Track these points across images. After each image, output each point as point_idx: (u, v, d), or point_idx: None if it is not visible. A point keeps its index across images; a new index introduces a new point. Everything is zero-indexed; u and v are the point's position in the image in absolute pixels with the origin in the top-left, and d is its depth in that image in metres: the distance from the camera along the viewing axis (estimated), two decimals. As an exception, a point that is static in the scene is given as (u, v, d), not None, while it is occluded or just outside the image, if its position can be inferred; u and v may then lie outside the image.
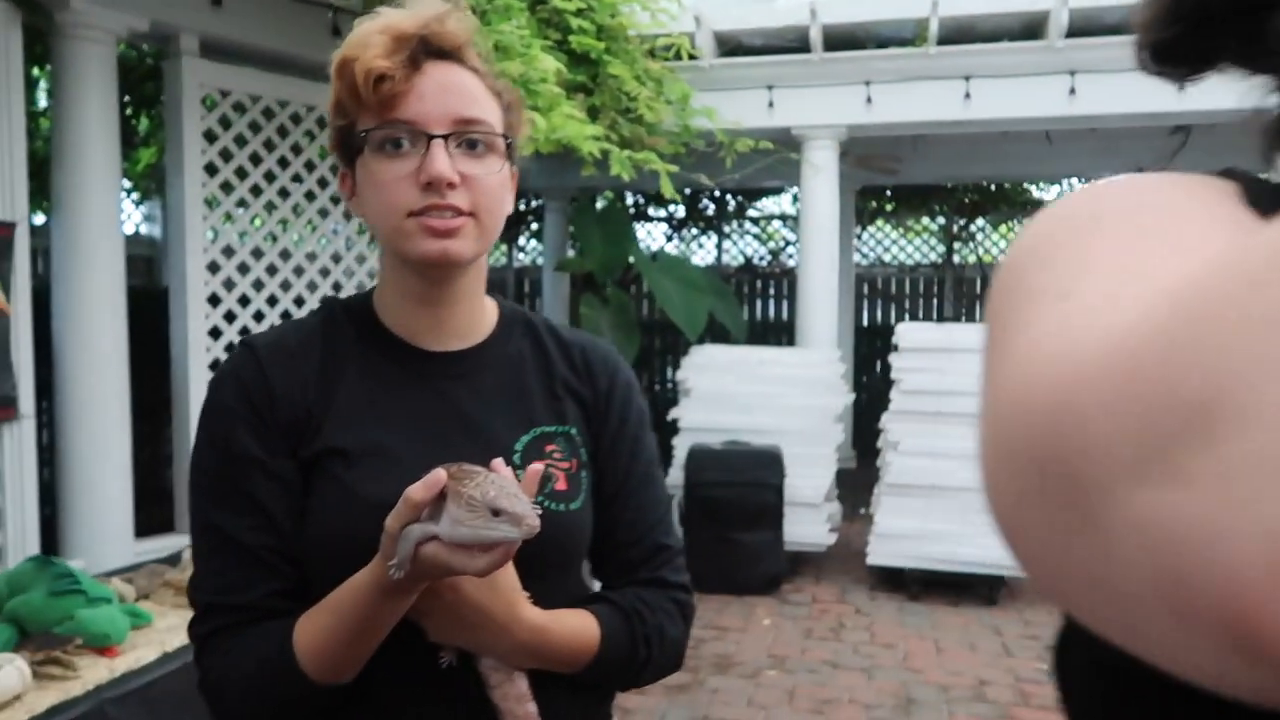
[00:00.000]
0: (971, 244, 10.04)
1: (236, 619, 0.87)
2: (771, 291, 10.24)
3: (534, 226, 9.81)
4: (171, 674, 1.76)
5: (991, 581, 4.79)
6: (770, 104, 5.71)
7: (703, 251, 10.57)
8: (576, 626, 0.91)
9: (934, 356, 4.84)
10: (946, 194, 9.52)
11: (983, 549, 4.70)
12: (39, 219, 5.15)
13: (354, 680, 0.86)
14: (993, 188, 9.45)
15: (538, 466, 0.83)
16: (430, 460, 0.81)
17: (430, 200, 0.87)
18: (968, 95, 5.55)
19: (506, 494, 0.74)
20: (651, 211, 10.02)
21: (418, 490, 0.75)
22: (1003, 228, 10.05)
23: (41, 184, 3.85)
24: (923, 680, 3.79)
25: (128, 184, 6.12)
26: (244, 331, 4.01)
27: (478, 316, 0.99)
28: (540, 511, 0.75)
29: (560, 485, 0.94)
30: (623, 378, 1.03)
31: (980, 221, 9.91)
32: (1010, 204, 9.62)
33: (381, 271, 0.98)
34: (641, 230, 9.94)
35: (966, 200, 9.57)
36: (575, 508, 0.95)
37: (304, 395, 0.91)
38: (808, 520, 5.07)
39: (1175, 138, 7.10)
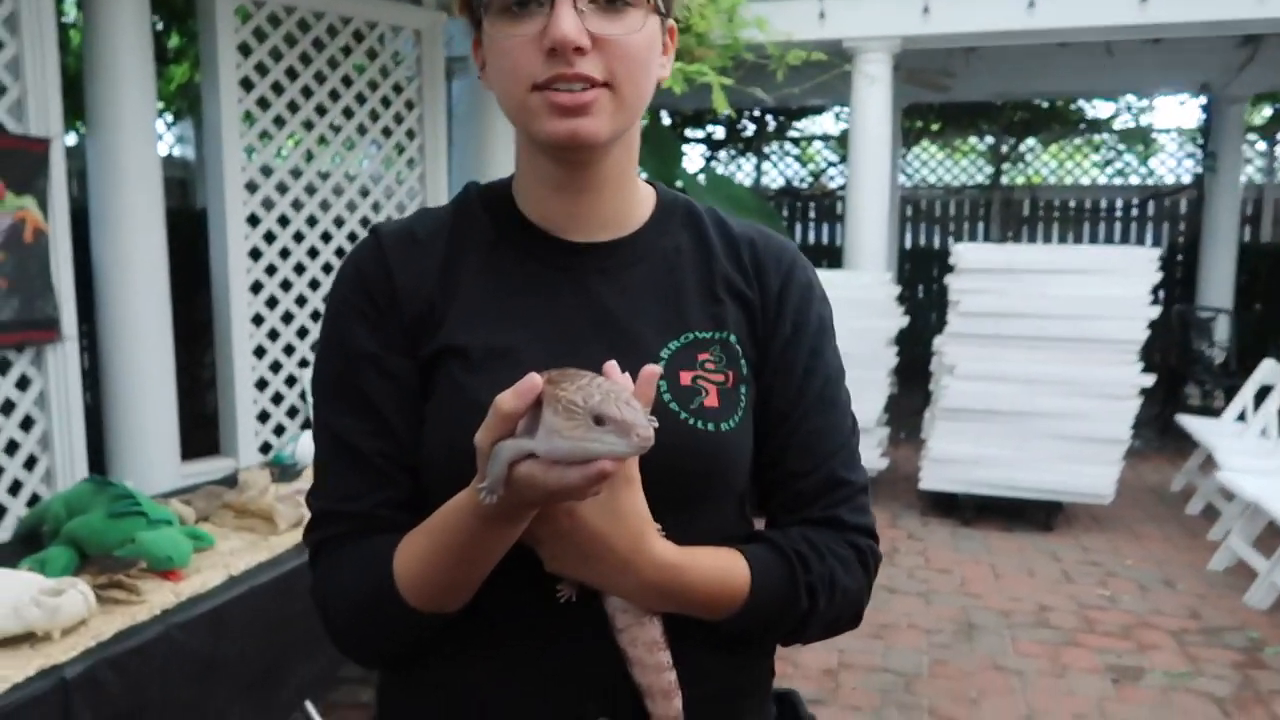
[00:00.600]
0: (1020, 165, 9.71)
1: (346, 528, 0.79)
2: (812, 214, 10.00)
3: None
4: (238, 598, 1.69)
5: (1048, 507, 4.68)
6: (821, 15, 5.45)
7: (741, 174, 10.31)
8: (720, 567, 0.78)
9: (994, 278, 4.66)
10: (995, 113, 9.18)
11: (1040, 474, 4.59)
12: (72, 139, 5.04)
13: (465, 609, 0.76)
14: (1044, 105, 9.09)
15: (653, 368, 0.69)
16: (561, 366, 0.69)
17: (556, 70, 0.73)
18: (1031, 4, 5.26)
19: (613, 399, 0.62)
20: (689, 132, 9.75)
21: (508, 398, 0.63)
22: (1053, 148, 9.71)
23: (74, 103, 3.74)
24: (982, 605, 3.72)
25: (160, 104, 5.99)
26: (284, 253, 3.92)
27: (628, 203, 0.85)
28: (656, 424, 0.62)
29: (710, 401, 0.80)
30: (800, 277, 0.87)
31: (1030, 141, 9.57)
32: (1062, 122, 9.27)
33: (516, 152, 0.85)
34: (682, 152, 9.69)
35: (1016, 119, 9.23)
36: (729, 428, 0.80)
37: (427, 288, 0.80)
38: (860, 445, 4.95)
39: (1243, 50, 6.75)
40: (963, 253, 4.77)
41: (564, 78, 0.73)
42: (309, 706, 2.16)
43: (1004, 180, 9.57)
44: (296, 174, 3.99)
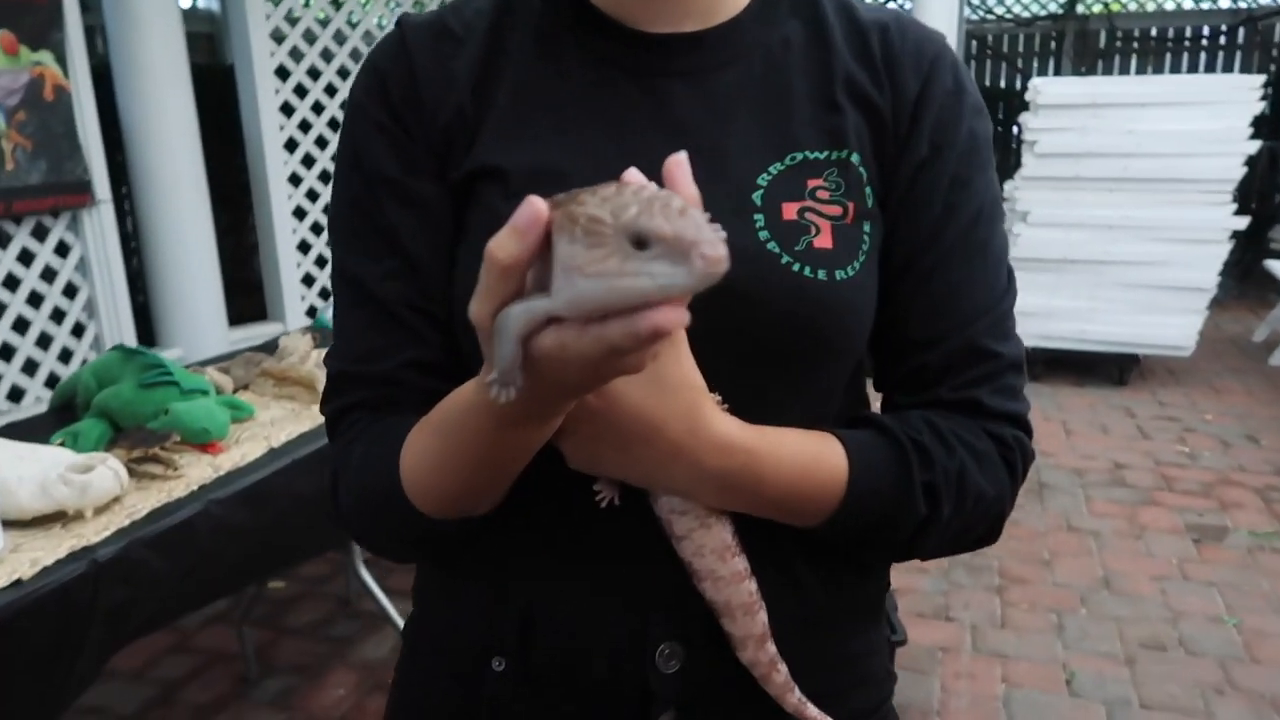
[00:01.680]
0: (1098, -8, 8.96)
1: (364, 395, 0.65)
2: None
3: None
4: (280, 472, 1.61)
5: (1122, 361, 4.47)
6: None
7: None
8: (806, 454, 0.59)
9: (1075, 114, 4.30)
10: (1073, -67, 8.42)
11: (1114, 326, 4.36)
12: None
13: (488, 518, 0.62)
14: (1128, -77, 8.30)
15: (680, 155, 0.47)
16: None
17: None
18: None
19: (657, 205, 0.40)
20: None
21: (505, 241, 0.43)
22: (1136, -29, 8.93)
23: (86, -52, 3.52)
24: (1054, 464, 3.58)
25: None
26: (317, 108, 3.74)
27: None
28: (723, 233, 0.40)
29: (823, 240, 0.60)
30: (946, 78, 0.65)
31: (1110, -35, 8.80)
32: (1147, -58, 8.48)
33: None
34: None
35: (1096, -60, 8.46)
36: (846, 277, 0.61)
37: (458, 92, 0.63)
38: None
39: None
40: (1041, 87, 4.40)
41: None
42: (363, 571, 2.12)
43: (1079, 9, 8.86)
44: (324, 22, 3.75)
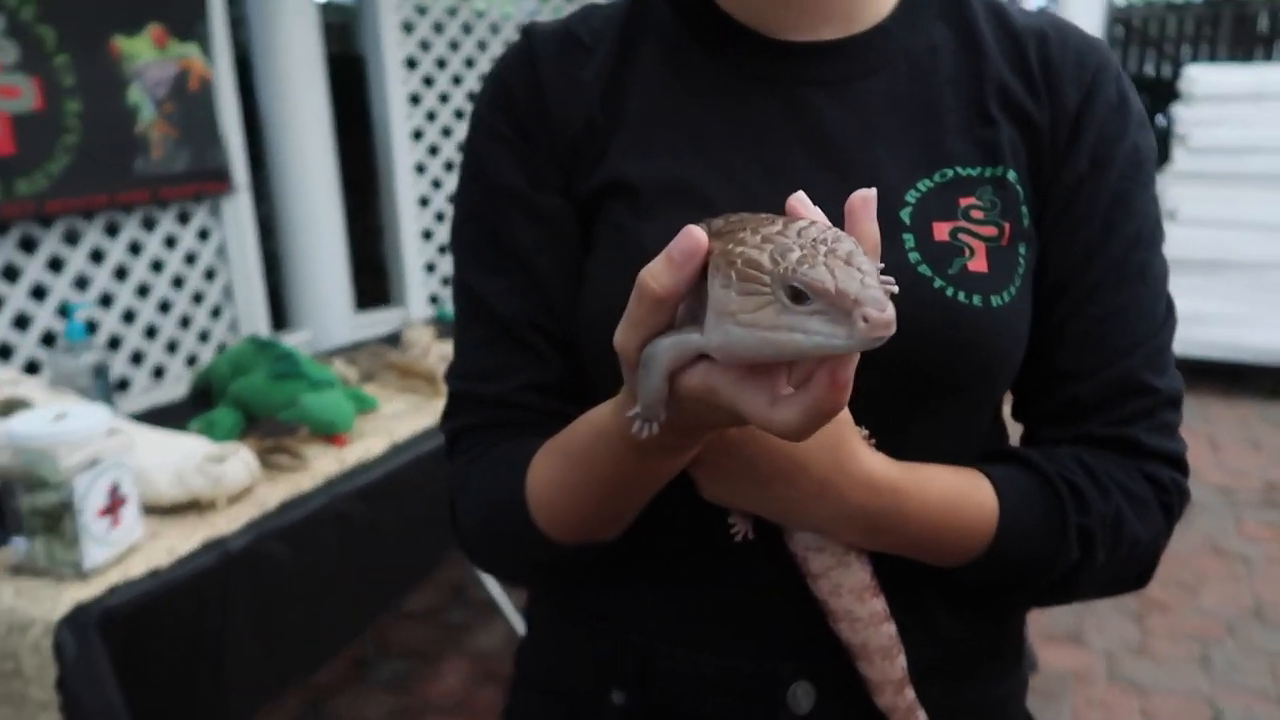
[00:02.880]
0: (1260, -29, 8.35)
1: (483, 418, 0.63)
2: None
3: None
4: (402, 467, 1.62)
5: (1277, 373, 4.16)
6: None
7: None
8: (955, 493, 0.56)
9: (1236, 105, 4.01)
10: (1234, -92, 7.86)
11: (1272, 332, 4.05)
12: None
13: (623, 538, 0.59)
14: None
15: (867, 192, 0.43)
16: (766, 208, 0.46)
17: None
18: None
19: (822, 253, 0.36)
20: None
21: (660, 272, 0.40)
22: (1304, -52, 8.27)
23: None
24: (1201, 481, 3.35)
25: (317, -56, 5.87)
26: (443, 98, 3.79)
27: None
28: (895, 289, 0.38)
29: (977, 264, 0.56)
30: (1110, 93, 0.60)
31: (1276, -59, 8.18)
32: (1319, -84, 7.84)
33: None
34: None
35: (1260, -85, 7.88)
36: (1002, 303, 0.56)
37: (589, 105, 0.60)
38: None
39: None
40: (1197, 77, 4.11)
41: None
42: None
43: (1239, -9, 8.28)
44: (452, 12, 3.80)
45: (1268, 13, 8.11)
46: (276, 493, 1.46)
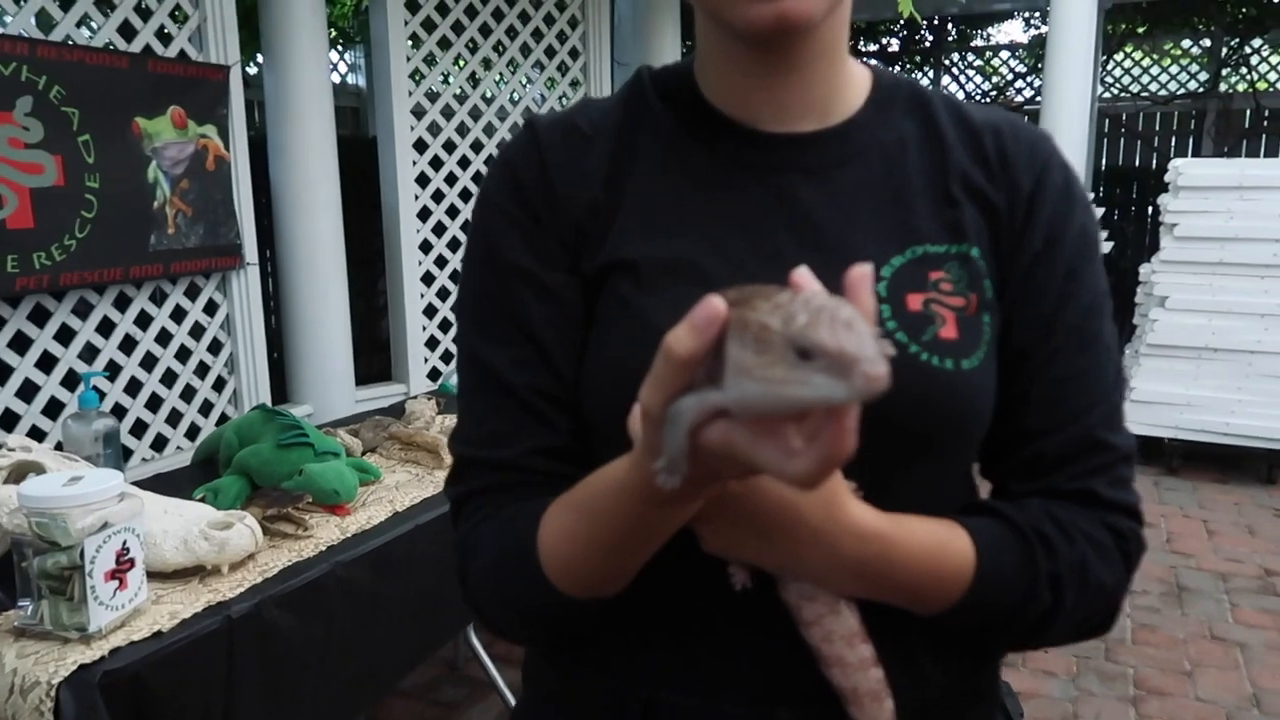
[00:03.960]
0: (1242, 69, 8.63)
1: (493, 481, 0.66)
2: (995, 132, 9.28)
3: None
4: (402, 536, 1.64)
5: (1271, 457, 4.18)
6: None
7: (917, 89, 9.66)
8: (937, 542, 0.60)
9: (1220, 196, 4.12)
10: (1214, 10, 8.15)
11: (1262, 419, 4.09)
12: (252, 70, 5.18)
13: (624, 593, 0.62)
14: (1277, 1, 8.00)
15: (864, 267, 0.47)
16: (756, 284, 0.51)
17: None
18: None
19: (825, 318, 0.41)
20: (861, 46, 9.19)
21: (684, 337, 0.44)
22: (1284, 48, 8.57)
23: (252, 33, 3.80)
24: (1194, 566, 3.36)
25: (332, 31, 6.08)
26: (450, 179, 3.90)
27: (838, 85, 0.67)
28: (893, 351, 0.42)
29: (948, 331, 0.62)
30: (1059, 179, 0.67)
31: (1257, 42, 8.47)
32: (1297, 18, 8.14)
33: (698, 28, 0.68)
34: (850, 67, 9.18)
35: (1240, 15, 8.17)
36: (971, 366, 0.62)
37: (591, 188, 0.65)
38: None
39: None
40: (1182, 169, 4.24)
41: None
42: (472, 637, 2.14)
43: (1222, 87, 8.55)
44: (461, 98, 3.94)
45: (1251, 109, 8.36)
46: (279, 559, 1.48)
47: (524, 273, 0.65)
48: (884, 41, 9.19)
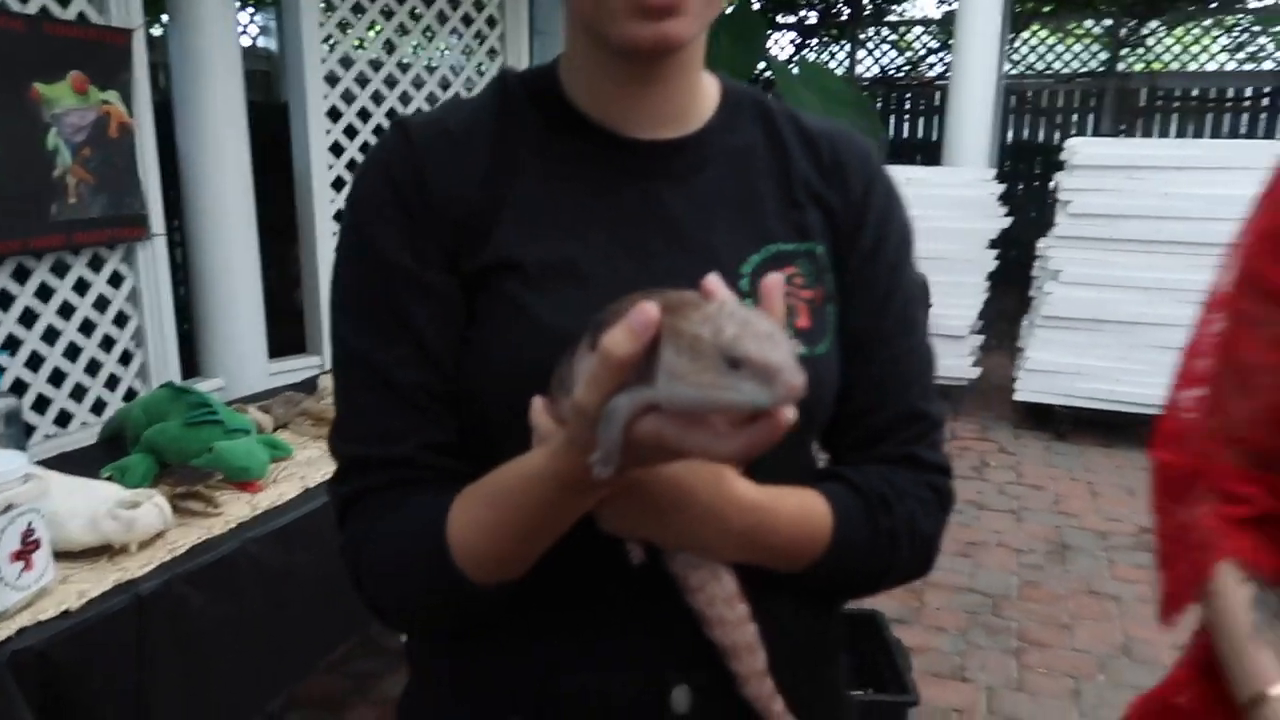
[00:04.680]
0: (1140, 50, 8.98)
1: (384, 478, 0.68)
2: (908, 106, 9.50)
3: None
4: (316, 511, 1.67)
5: (1152, 421, 4.44)
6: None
7: (834, 63, 9.81)
8: (802, 509, 0.68)
9: (1111, 175, 4.33)
10: (1116, -9, 8.45)
11: (1146, 386, 4.34)
12: (156, 32, 5.01)
13: (518, 582, 0.67)
14: (1172, -17, 8.33)
15: (777, 278, 0.54)
16: (633, 283, 0.58)
17: None
18: None
19: (750, 332, 0.47)
20: (780, 18, 9.27)
21: (621, 341, 0.49)
22: (1178, 30, 8.94)
23: (154, -8, 3.68)
24: (1077, 525, 3.57)
25: (240, -8, 5.91)
26: (364, 149, 3.86)
27: (694, 96, 0.73)
28: (803, 350, 0.51)
29: (802, 321, 0.69)
30: (884, 182, 0.76)
31: (1153, 23, 8.81)
32: (1190, 1, 8.49)
33: (567, 36, 0.72)
34: (769, 40, 9.25)
35: (1138, -2, 8.49)
36: (823, 352, 0.70)
37: (468, 191, 0.69)
38: (951, 352, 4.77)
39: None
40: (1077, 148, 4.44)
41: None
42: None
43: (1120, 67, 8.88)
44: (376, 66, 3.88)
45: (1147, 89, 8.71)
46: (189, 537, 1.50)
47: (405, 272, 0.68)
48: (801, 14, 9.28)
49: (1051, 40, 9.28)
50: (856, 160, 0.75)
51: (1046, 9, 8.97)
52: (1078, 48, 9.22)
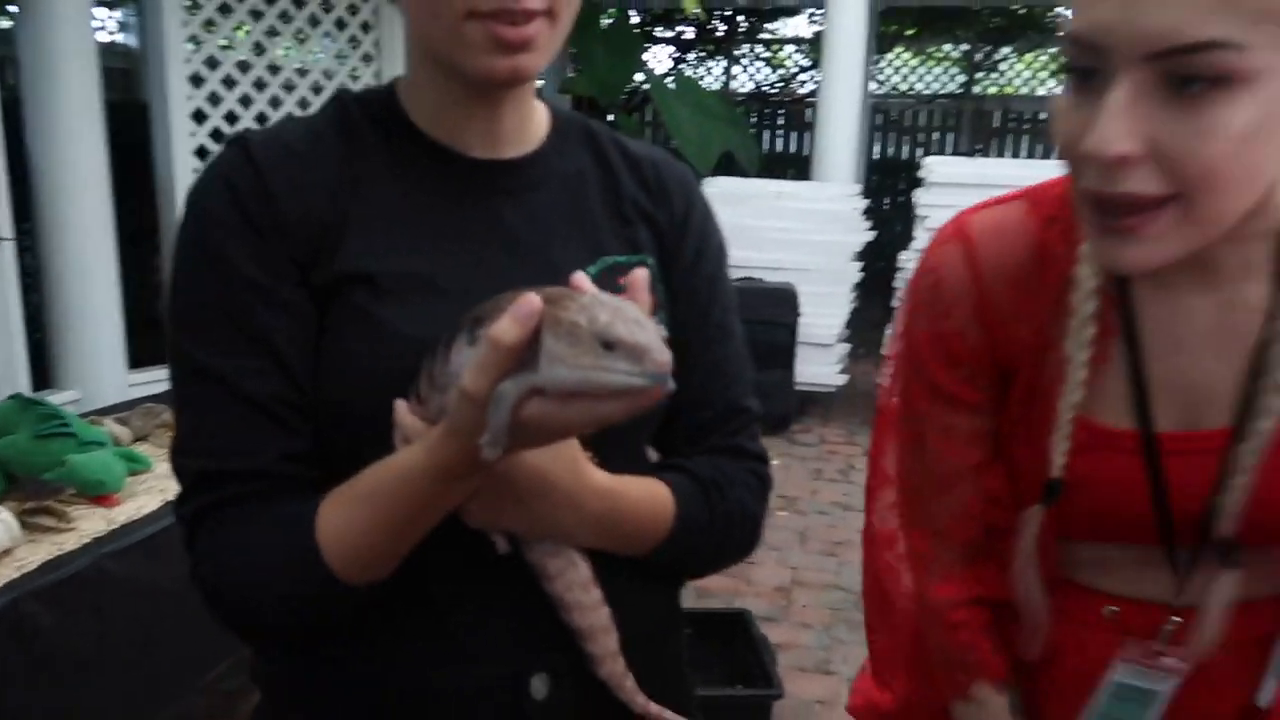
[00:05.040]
0: (994, 74, 9.53)
1: (239, 491, 0.68)
2: (781, 122, 9.81)
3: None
4: (174, 524, 1.63)
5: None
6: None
7: (710, 78, 10.05)
8: (649, 493, 0.75)
9: (964, 192, 4.58)
10: (971, 17, 8.95)
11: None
12: (5, 23, 4.75)
13: (380, 585, 0.69)
14: (1020, 11, 8.88)
15: (643, 271, 0.61)
16: (481, 294, 0.63)
17: (502, 1, 0.65)
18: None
19: (624, 319, 0.54)
20: (657, 32, 9.44)
21: (509, 329, 0.55)
22: (1028, 57, 9.53)
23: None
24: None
25: (96, -14, 5.64)
26: (232, 152, 3.75)
27: (529, 119, 0.78)
28: (666, 334, 0.55)
29: None
30: (701, 201, 0.84)
31: (1005, 50, 9.38)
32: (1039, 30, 9.07)
33: (409, 59, 0.76)
34: (646, 54, 9.41)
35: (991, 25, 9.01)
36: None
37: (316, 206, 0.70)
38: (819, 360, 4.96)
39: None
40: (933, 166, 4.70)
41: (509, 11, 0.65)
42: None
43: (976, 90, 9.41)
44: (245, 67, 3.78)
45: (1000, 111, 9.25)
46: (38, 554, 1.45)
47: (255, 285, 0.68)
48: (678, 30, 9.47)
49: (914, 62, 9.76)
50: (677, 182, 0.83)
51: (909, 33, 9.43)
52: (938, 70, 9.72)
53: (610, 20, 6.75)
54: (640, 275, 0.61)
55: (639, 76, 6.52)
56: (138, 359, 3.61)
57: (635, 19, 8.74)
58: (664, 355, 0.53)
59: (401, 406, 0.67)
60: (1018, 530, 0.78)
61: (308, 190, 0.70)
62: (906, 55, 9.77)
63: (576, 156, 0.80)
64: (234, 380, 0.68)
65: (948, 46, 9.67)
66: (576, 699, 0.75)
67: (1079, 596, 0.81)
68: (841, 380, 5.13)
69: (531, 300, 0.55)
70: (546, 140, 0.79)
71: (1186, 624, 0.75)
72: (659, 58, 9.84)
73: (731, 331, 0.83)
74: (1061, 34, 0.60)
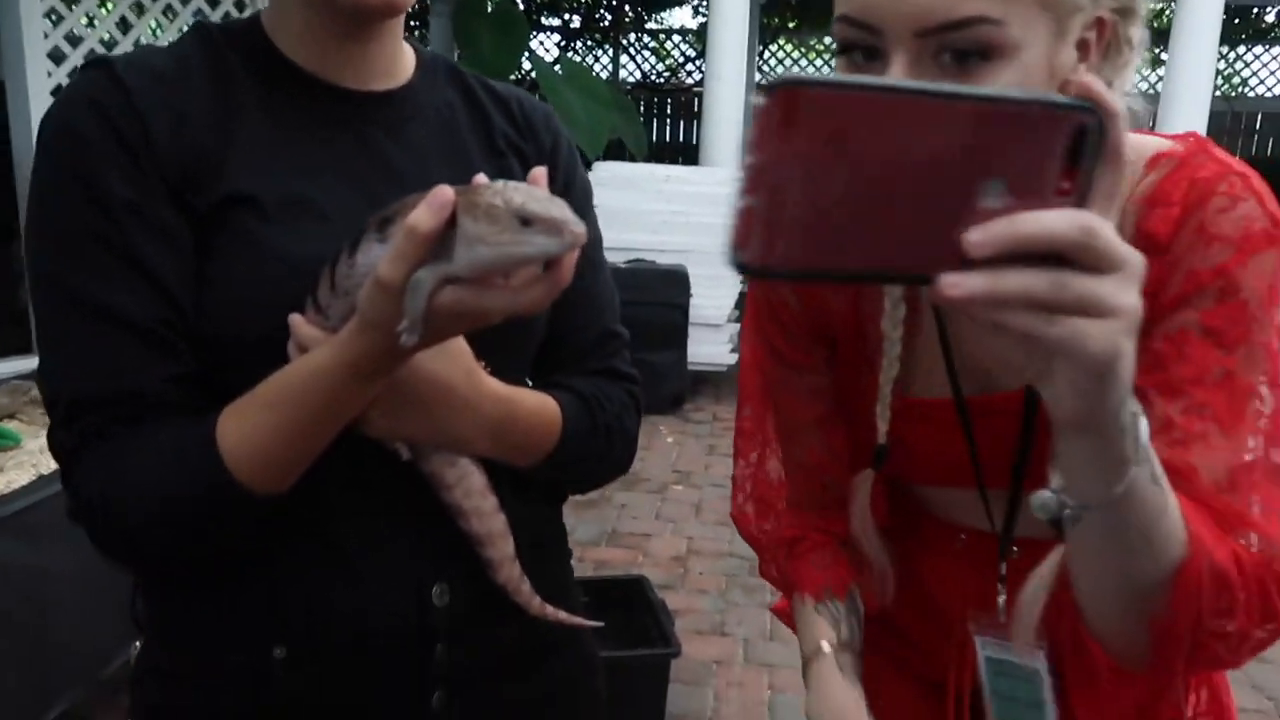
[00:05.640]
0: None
1: (121, 413, 0.66)
2: (669, 110, 9.92)
3: (414, 27, 9.10)
4: (50, 499, 1.57)
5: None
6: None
7: (598, 66, 10.08)
8: (539, 405, 0.77)
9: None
10: (850, 12, 9.22)
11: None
12: None
13: (280, 502, 0.69)
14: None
15: (542, 169, 0.64)
16: (365, 217, 0.64)
17: None
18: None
19: (536, 198, 0.57)
20: (544, 20, 9.41)
21: (425, 218, 0.57)
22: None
23: None
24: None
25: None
26: (99, 132, 3.58)
27: (398, 53, 0.80)
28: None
29: None
30: (565, 139, 0.88)
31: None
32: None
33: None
34: (533, 41, 9.37)
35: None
36: None
37: (190, 131, 0.69)
38: (710, 340, 5.06)
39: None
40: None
41: None
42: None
43: (856, 81, 9.70)
44: (109, 45, 3.62)
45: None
46: (-101, 530, 1.38)
47: (133, 207, 0.67)
48: (565, 18, 9.47)
49: (796, 54, 10.01)
50: (541, 118, 0.86)
51: (791, 25, 9.67)
52: (819, 61, 9.99)
53: (495, 4, 6.71)
54: (540, 171, 0.63)
55: (527, 65, 6.50)
56: (6, 348, 3.42)
57: (521, 5, 8.70)
58: (579, 226, 0.57)
59: (298, 319, 0.67)
60: (852, 491, 0.84)
61: (183, 115, 0.69)
62: (789, 46, 10.00)
63: (445, 92, 0.82)
64: (114, 306, 0.66)
65: (828, 39, 9.93)
66: (474, 605, 0.76)
67: (936, 528, 0.88)
68: (732, 359, 5.23)
69: (444, 190, 0.57)
70: (415, 76, 0.81)
71: (1025, 552, 0.79)
72: (546, 45, 9.82)
73: (599, 264, 0.87)
74: (836, 15, 0.64)
